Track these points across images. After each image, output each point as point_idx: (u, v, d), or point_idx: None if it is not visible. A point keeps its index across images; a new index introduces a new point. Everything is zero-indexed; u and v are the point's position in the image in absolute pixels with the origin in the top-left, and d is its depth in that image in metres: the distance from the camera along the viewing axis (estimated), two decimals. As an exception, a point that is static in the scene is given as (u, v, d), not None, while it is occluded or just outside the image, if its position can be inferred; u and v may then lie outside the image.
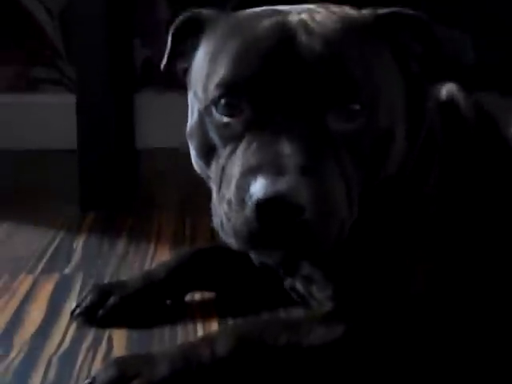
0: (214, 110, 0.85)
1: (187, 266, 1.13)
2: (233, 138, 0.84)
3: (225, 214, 0.81)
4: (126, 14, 2.07)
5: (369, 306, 0.91)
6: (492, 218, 0.96)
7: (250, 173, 0.78)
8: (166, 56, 0.97)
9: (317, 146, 0.80)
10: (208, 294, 1.16)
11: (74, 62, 1.82)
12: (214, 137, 0.86)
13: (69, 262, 1.31)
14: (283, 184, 0.76)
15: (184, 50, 0.96)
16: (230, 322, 1.07)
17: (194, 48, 0.94)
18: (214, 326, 1.06)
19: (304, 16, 0.87)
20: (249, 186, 0.78)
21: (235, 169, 0.81)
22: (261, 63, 0.82)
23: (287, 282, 1.01)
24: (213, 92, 0.85)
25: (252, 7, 0.93)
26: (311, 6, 0.91)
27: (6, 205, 1.65)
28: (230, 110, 0.84)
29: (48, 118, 2.23)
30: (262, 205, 0.76)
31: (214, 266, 1.14)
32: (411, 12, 0.90)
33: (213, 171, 0.87)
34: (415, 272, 0.92)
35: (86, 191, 1.62)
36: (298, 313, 1.03)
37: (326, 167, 0.80)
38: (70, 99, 1.68)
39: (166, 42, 0.98)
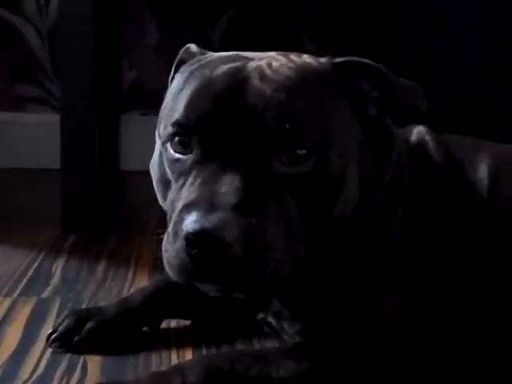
0: (169, 147, 0.89)
1: (164, 293, 1.14)
2: (182, 174, 0.87)
3: (164, 246, 0.85)
4: (114, 35, 2.10)
5: (336, 342, 0.93)
6: (457, 259, 0.98)
7: (186, 208, 0.82)
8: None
9: (256, 187, 0.83)
10: (183, 322, 1.17)
11: (59, 81, 1.84)
12: (168, 171, 0.90)
13: (47, 285, 1.32)
14: (212, 220, 0.79)
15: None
16: (205, 350, 1.08)
17: (171, 82, 0.98)
18: (189, 354, 1.07)
19: (262, 62, 0.90)
20: (183, 220, 0.81)
21: (179, 203, 0.85)
22: (211, 105, 0.86)
23: (260, 315, 1.03)
24: (169, 129, 0.89)
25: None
26: (272, 54, 0.94)
27: (-13, 224, 1.66)
28: (182, 148, 0.88)
29: (34, 137, 2.25)
30: (190, 239, 0.80)
31: (191, 294, 1.15)
32: (367, 60, 0.93)
33: (166, 204, 0.91)
34: (379, 310, 0.94)
35: (68, 212, 1.62)
36: (269, 345, 1.05)
37: (263, 207, 0.82)
38: (57, 119, 1.69)
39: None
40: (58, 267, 1.41)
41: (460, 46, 1.97)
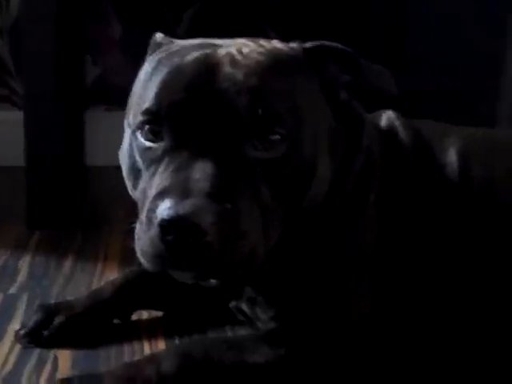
0: (139, 135, 0.88)
1: (134, 284, 1.13)
2: (153, 162, 0.86)
3: (136, 235, 0.84)
4: (77, 30, 2.07)
5: (310, 326, 0.93)
6: (431, 243, 0.98)
7: (159, 195, 0.81)
8: None
9: (230, 173, 0.82)
10: (155, 313, 1.16)
11: (22, 79, 1.81)
12: (139, 160, 0.88)
13: (14, 281, 1.29)
14: (186, 206, 0.78)
15: None
16: (177, 341, 1.07)
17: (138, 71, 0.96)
18: (161, 345, 1.06)
19: (232, 49, 0.89)
20: (156, 207, 0.80)
21: (152, 191, 0.84)
22: (182, 93, 0.85)
23: (233, 303, 1.02)
24: (139, 118, 0.87)
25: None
26: (242, 40, 0.93)
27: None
28: (152, 136, 0.86)
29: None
30: (164, 226, 0.79)
31: (161, 285, 1.14)
32: (337, 45, 0.93)
33: (137, 193, 0.89)
34: (352, 295, 0.94)
35: (33, 209, 1.60)
36: (243, 332, 1.04)
37: (237, 193, 0.82)
38: (19, 116, 1.66)
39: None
40: (24, 263, 1.38)
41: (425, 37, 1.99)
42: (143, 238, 0.82)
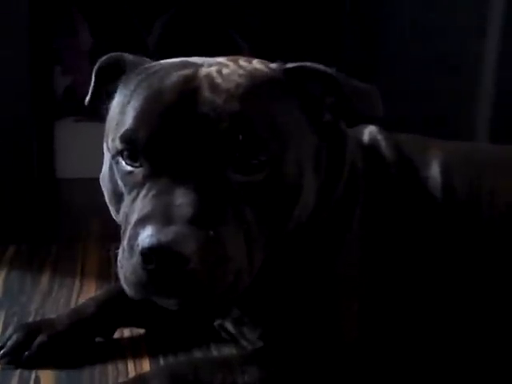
0: (119, 159, 0.87)
1: (116, 301, 1.11)
2: (135, 186, 0.85)
3: (119, 262, 0.83)
4: (47, 40, 2.05)
5: (298, 346, 0.93)
6: (416, 257, 0.99)
7: (141, 222, 0.80)
8: (89, 94, 0.99)
9: (212, 197, 0.81)
10: (137, 331, 1.14)
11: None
12: (121, 184, 0.87)
13: (-11, 298, 1.27)
14: (168, 234, 0.77)
15: (107, 91, 0.96)
16: (162, 359, 1.06)
17: (113, 93, 0.94)
18: (146, 363, 1.05)
19: (211, 70, 0.87)
20: (138, 234, 0.79)
21: (133, 216, 0.83)
22: (160, 120, 0.83)
23: (217, 321, 1.01)
24: (117, 144, 0.86)
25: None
26: (221, 60, 0.91)
27: None
28: (132, 161, 0.85)
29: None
30: (146, 254, 0.77)
31: (144, 302, 1.12)
32: (319, 66, 0.91)
33: (118, 216, 0.89)
34: (338, 314, 0.94)
35: (5, 223, 1.57)
36: (230, 352, 1.04)
37: (220, 218, 0.81)
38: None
39: (88, 71, 0.97)
40: (-1, 280, 1.35)
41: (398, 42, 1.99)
42: (126, 265, 0.81)
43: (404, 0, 1.96)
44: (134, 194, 0.85)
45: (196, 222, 0.78)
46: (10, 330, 1.09)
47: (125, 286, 0.83)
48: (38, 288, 1.32)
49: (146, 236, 0.77)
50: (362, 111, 0.91)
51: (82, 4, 2.22)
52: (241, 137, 0.82)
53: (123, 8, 2.24)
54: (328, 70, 0.91)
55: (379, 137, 1.05)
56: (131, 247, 0.80)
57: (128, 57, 0.95)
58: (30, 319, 1.17)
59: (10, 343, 1.05)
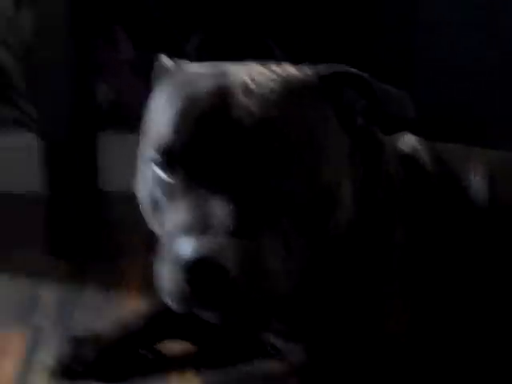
0: (156, 168, 0.87)
1: (163, 315, 1.13)
2: (172, 195, 0.85)
3: (157, 273, 0.83)
4: (91, 53, 2.08)
5: (342, 358, 0.93)
6: (461, 268, 0.99)
7: (179, 233, 0.80)
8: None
9: (250, 207, 0.81)
10: (181, 345, 1.15)
11: (35, 102, 1.81)
12: (156, 192, 0.87)
13: (41, 312, 1.28)
14: (208, 245, 0.77)
15: None
16: (207, 374, 1.07)
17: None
18: (191, 378, 1.06)
19: (244, 76, 0.87)
20: (177, 245, 0.79)
21: (171, 226, 0.83)
22: (194, 128, 0.83)
23: (262, 336, 1.02)
24: (153, 153, 0.86)
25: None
26: (252, 65, 0.91)
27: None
28: (169, 170, 0.85)
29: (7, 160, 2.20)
30: (187, 266, 0.78)
31: (190, 316, 1.13)
32: (352, 70, 0.90)
33: (156, 225, 0.89)
34: (385, 320, 0.94)
35: (56, 238, 1.59)
36: (274, 365, 1.04)
37: (259, 228, 0.81)
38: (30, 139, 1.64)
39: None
40: (51, 294, 1.36)
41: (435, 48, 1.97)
42: (165, 277, 0.82)
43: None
44: (170, 203, 0.85)
45: (235, 232, 0.79)
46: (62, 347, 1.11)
47: (166, 299, 0.84)
48: (87, 303, 1.33)
49: (187, 248, 0.78)
50: (394, 113, 0.91)
51: (123, 17, 2.26)
52: (277, 144, 0.83)
53: (163, 19, 2.27)
54: (361, 73, 0.91)
55: (418, 146, 1.04)
56: (171, 259, 0.80)
57: (163, 60, 0.95)
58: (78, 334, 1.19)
59: (64, 358, 1.08)
